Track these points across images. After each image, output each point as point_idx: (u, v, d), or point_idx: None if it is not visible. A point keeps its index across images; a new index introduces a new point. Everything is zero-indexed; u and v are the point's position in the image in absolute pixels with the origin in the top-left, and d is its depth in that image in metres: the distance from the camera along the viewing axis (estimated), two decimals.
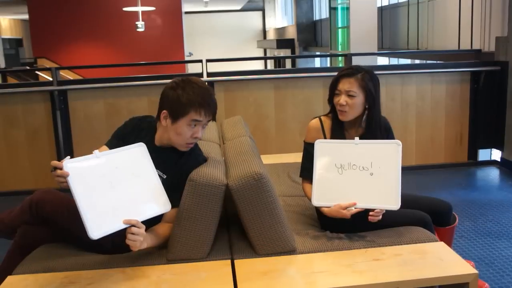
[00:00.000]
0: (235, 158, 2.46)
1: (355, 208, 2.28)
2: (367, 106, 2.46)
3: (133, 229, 1.98)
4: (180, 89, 2.19)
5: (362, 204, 2.28)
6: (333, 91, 2.51)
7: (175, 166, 2.27)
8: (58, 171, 1.94)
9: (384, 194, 2.27)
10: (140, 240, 2.00)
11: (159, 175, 2.23)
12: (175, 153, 2.29)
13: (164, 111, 2.22)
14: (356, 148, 2.34)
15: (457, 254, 2.20)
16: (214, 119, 2.29)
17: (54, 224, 2.24)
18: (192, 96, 2.16)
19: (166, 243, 2.22)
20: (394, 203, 2.25)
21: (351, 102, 2.43)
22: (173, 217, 2.21)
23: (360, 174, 2.31)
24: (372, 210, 2.27)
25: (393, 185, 2.25)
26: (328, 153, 2.37)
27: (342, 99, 2.44)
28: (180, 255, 2.17)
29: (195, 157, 2.32)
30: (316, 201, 2.36)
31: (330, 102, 2.54)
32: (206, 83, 4.81)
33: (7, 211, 2.36)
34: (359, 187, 2.30)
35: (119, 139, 2.39)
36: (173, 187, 2.22)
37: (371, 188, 2.29)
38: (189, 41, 18.13)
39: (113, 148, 2.33)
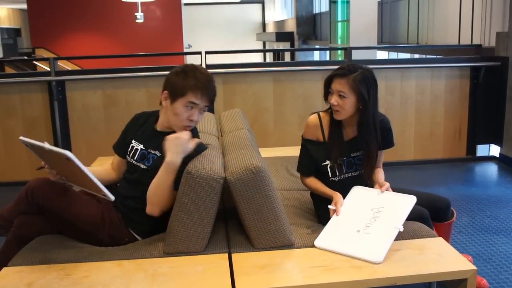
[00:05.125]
0: (234, 151, 2.44)
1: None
2: (361, 107, 2.43)
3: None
4: (182, 73, 2.27)
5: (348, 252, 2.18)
6: (327, 90, 2.49)
7: None
8: (47, 169, 2.18)
9: (371, 245, 2.16)
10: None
11: (153, 154, 2.31)
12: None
13: (165, 91, 2.30)
14: (381, 195, 2.39)
15: (455, 250, 2.19)
16: (211, 106, 2.36)
17: (49, 212, 2.23)
18: (192, 79, 2.24)
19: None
20: (376, 257, 2.10)
21: (342, 102, 2.40)
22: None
23: (368, 216, 2.29)
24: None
25: (386, 239, 2.16)
26: (361, 197, 2.41)
27: (334, 99, 2.42)
28: (177, 248, 2.16)
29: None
30: (319, 243, 2.25)
31: (326, 99, 2.52)
32: None
33: (5, 206, 2.35)
34: (356, 234, 2.24)
35: (123, 137, 2.49)
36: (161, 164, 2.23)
37: (365, 236, 2.22)
38: (188, 33, 18.06)
39: (119, 151, 2.46)
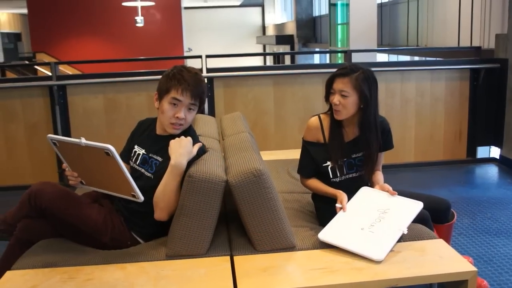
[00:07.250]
0: (235, 154, 2.45)
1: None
2: (362, 106, 2.46)
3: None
4: (170, 73, 2.33)
5: (349, 247, 2.19)
6: (328, 90, 2.51)
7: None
8: (68, 172, 2.21)
9: (374, 243, 2.18)
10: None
11: (155, 159, 2.33)
12: (172, 139, 2.30)
13: (155, 92, 2.36)
14: (389, 198, 2.41)
15: (456, 251, 2.20)
16: (201, 106, 2.38)
17: (52, 215, 2.24)
18: (177, 77, 2.29)
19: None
20: (377, 254, 2.12)
21: (344, 101, 2.43)
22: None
23: (374, 216, 2.31)
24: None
25: (389, 239, 2.19)
26: (368, 197, 2.43)
27: (336, 99, 2.45)
28: (179, 251, 2.17)
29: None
30: (322, 236, 2.27)
31: (326, 100, 2.54)
32: (206, 79, 4.85)
33: (8, 211, 2.36)
34: (360, 231, 2.26)
35: (128, 144, 2.54)
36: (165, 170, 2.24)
37: (369, 235, 2.24)
38: (188, 36, 18.09)
39: (126, 159, 2.45)
